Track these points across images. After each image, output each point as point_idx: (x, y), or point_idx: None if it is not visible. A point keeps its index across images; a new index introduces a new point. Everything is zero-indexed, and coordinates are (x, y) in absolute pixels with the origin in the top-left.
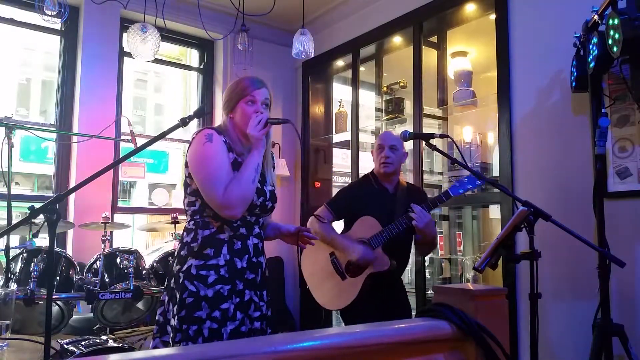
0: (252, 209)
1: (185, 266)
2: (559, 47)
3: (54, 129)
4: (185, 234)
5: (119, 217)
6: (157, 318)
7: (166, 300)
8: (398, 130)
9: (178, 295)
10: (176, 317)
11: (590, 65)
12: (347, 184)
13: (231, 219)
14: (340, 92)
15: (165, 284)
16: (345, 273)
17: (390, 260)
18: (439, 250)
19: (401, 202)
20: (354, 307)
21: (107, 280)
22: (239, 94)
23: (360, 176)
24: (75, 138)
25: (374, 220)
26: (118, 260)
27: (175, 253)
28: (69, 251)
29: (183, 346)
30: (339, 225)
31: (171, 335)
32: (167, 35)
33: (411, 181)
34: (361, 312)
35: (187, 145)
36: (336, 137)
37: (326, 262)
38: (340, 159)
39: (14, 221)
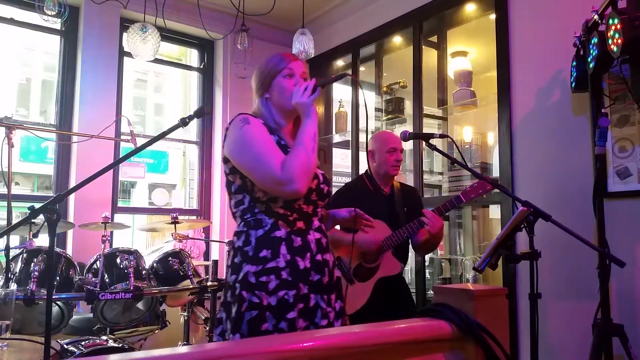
0: (308, 195)
1: (242, 274)
2: (559, 47)
3: (54, 129)
4: (235, 238)
5: (119, 217)
6: (215, 340)
7: (224, 318)
8: (398, 130)
9: (235, 309)
10: (236, 336)
11: (590, 65)
12: (342, 185)
13: (296, 196)
14: (340, 92)
15: (222, 299)
16: (353, 278)
17: (400, 263)
18: (439, 250)
19: (399, 203)
20: (362, 312)
21: (107, 280)
22: (274, 70)
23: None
24: (75, 138)
25: (384, 224)
26: (118, 261)
27: (228, 262)
28: (69, 251)
29: (183, 346)
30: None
31: None
32: (167, 35)
33: (411, 181)
34: (370, 316)
35: (185, 145)
36: (336, 137)
37: None
38: (340, 159)
39: (14, 221)
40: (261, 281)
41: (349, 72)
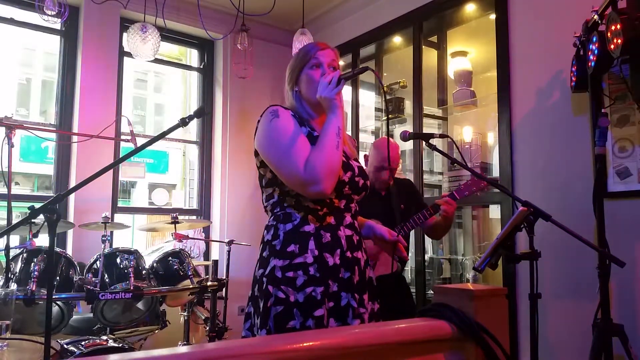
0: (340, 188)
1: (269, 269)
2: (559, 47)
3: (54, 129)
4: (265, 232)
5: (119, 217)
6: (243, 334)
7: (252, 313)
8: (398, 130)
9: (262, 304)
10: (264, 331)
11: (590, 65)
12: None
13: (321, 197)
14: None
15: (250, 293)
16: None
17: (397, 262)
18: (439, 250)
19: (395, 201)
20: None
21: (107, 280)
22: (302, 61)
23: None
24: (75, 138)
25: (380, 224)
26: (118, 260)
27: (258, 256)
28: (69, 251)
29: (184, 346)
30: None
31: None
32: (167, 35)
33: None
34: None
35: (185, 145)
36: None
37: None
38: None
39: (14, 221)
40: (288, 276)
41: (369, 66)
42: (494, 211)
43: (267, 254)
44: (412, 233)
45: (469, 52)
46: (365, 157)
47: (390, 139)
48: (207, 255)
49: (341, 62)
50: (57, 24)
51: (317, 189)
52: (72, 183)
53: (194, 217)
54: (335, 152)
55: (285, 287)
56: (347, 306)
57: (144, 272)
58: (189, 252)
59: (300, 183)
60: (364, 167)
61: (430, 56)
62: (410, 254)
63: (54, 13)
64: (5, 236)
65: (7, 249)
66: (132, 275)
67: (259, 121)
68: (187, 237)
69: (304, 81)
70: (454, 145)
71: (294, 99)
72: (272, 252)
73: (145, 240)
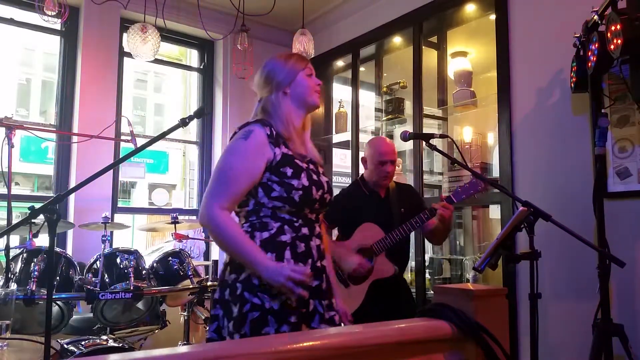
0: (312, 205)
1: (244, 275)
2: (559, 47)
3: (54, 129)
4: None
5: (119, 217)
6: (208, 336)
7: (220, 315)
8: (398, 130)
9: (237, 310)
10: (238, 336)
11: (590, 66)
12: (339, 189)
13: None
14: (340, 92)
15: (217, 295)
16: (348, 281)
17: (394, 266)
18: (439, 250)
19: (395, 204)
20: (358, 313)
21: (107, 280)
22: (297, 67)
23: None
24: (75, 138)
25: (376, 227)
26: (118, 260)
27: (227, 260)
28: (69, 251)
29: (184, 346)
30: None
31: None
32: (167, 35)
33: (411, 181)
34: (366, 319)
35: (185, 145)
36: (336, 137)
37: None
38: (340, 159)
39: (14, 221)
40: (264, 284)
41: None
42: (494, 211)
43: None
44: (412, 234)
45: (469, 52)
46: (363, 159)
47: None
48: (207, 255)
49: (341, 62)
50: (57, 24)
51: (201, 221)
52: (72, 183)
53: (194, 217)
54: (227, 244)
55: (262, 294)
56: (313, 311)
57: (144, 272)
58: (189, 252)
59: (200, 213)
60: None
61: (430, 56)
62: (410, 254)
63: (54, 13)
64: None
65: (7, 249)
66: (132, 275)
67: (235, 132)
68: (187, 237)
69: (300, 85)
70: (454, 146)
71: (279, 102)
72: None
73: (145, 241)
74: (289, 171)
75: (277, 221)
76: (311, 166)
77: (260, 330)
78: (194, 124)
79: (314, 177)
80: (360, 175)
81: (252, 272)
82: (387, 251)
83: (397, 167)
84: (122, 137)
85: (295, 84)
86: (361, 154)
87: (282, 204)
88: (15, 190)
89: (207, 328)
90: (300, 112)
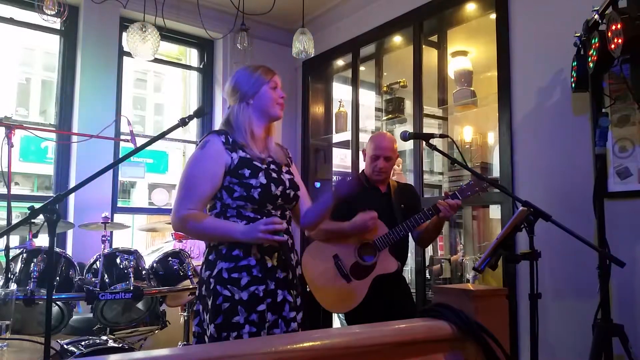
0: (274, 201)
1: (216, 270)
2: (559, 47)
3: (54, 129)
4: None
5: (118, 217)
6: (194, 330)
7: (200, 310)
8: (398, 130)
9: (211, 302)
10: (212, 326)
11: (591, 65)
12: None
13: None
14: (340, 91)
15: (197, 293)
16: (350, 276)
17: (397, 262)
18: (439, 251)
19: (397, 201)
20: (360, 309)
21: (107, 280)
22: (263, 79)
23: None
24: (75, 138)
25: (380, 222)
26: (118, 261)
27: (203, 259)
28: (69, 251)
29: (183, 346)
30: None
31: None
32: (167, 35)
33: (411, 181)
34: (367, 314)
35: (185, 145)
36: (336, 137)
37: (330, 265)
38: (340, 159)
39: (14, 221)
40: (233, 277)
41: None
42: (494, 211)
43: (213, 257)
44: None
45: (469, 51)
46: (363, 151)
47: (388, 132)
48: None
49: (341, 62)
50: (56, 23)
51: (175, 229)
52: (72, 183)
53: None
54: (201, 234)
55: (231, 286)
56: (283, 301)
57: (144, 272)
58: (188, 252)
59: (171, 220)
60: (295, 178)
61: (430, 56)
62: (410, 254)
63: (54, 13)
64: (5, 236)
65: (7, 249)
66: (132, 275)
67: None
68: (187, 237)
69: (264, 97)
70: (454, 145)
71: (241, 112)
72: (219, 255)
73: (145, 241)
74: (247, 172)
75: (243, 219)
76: (272, 166)
77: (231, 320)
78: (193, 124)
79: (274, 175)
80: (361, 170)
81: (233, 242)
82: (390, 247)
83: (397, 167)
84: (122, 137)
85: (259, 96)
86: (361, 154)
87: (244, 203)
88: (15, 190)
89: (192, 322)
90: (261, 122)
